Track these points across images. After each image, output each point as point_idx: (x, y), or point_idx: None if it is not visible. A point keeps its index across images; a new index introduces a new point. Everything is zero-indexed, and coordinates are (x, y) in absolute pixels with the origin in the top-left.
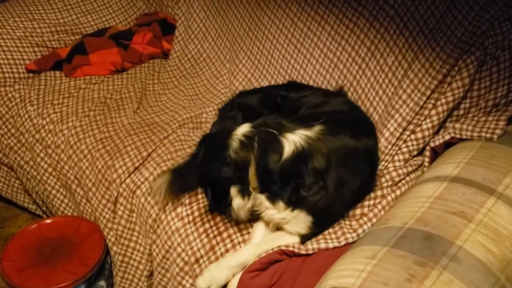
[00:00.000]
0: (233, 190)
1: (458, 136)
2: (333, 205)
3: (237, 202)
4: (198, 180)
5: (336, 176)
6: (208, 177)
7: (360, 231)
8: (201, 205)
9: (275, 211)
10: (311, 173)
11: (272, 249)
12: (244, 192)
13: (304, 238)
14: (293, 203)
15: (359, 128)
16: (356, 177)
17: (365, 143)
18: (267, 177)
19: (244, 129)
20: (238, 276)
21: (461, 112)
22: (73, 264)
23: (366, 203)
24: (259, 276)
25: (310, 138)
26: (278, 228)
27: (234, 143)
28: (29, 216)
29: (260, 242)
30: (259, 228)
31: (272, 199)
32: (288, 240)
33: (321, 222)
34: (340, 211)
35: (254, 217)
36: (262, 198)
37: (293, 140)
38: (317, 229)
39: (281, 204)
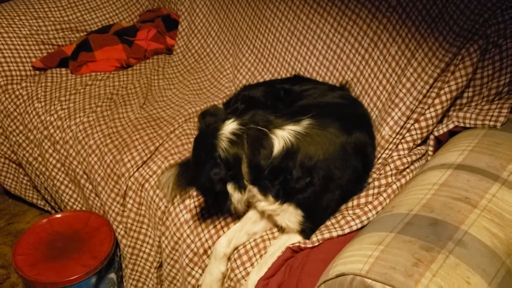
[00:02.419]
0: (230, 187)
1: (462, 124)
2: (321, 200)
3: (236, 197)
4: (195, 188)
5: (323, 171)
6: (201, 182)
7: (364, 218)
8: None
9: (267, 203)
10: (298, 169)
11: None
12: (241, 187)
13: (304, 235)
14: (282, 197)
15: (352, 122)
16: (345, 171)
17: (357, 137)
18: (259, 174)
19: (231, 127)
20: (254, 281)
21: (464, 101)
22: (84, 258)
23: (370, 191)
24: (273, 278)
25: (298, 133)
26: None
27: (223, 143)
28: (38, 212)
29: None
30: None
31: (263, 192)
32: (292, 240)
33: (312, 216)
34: (329, 205)
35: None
36: (254, 191)
37: (282, 137)
38: (310, 223)
39: (270, 198)
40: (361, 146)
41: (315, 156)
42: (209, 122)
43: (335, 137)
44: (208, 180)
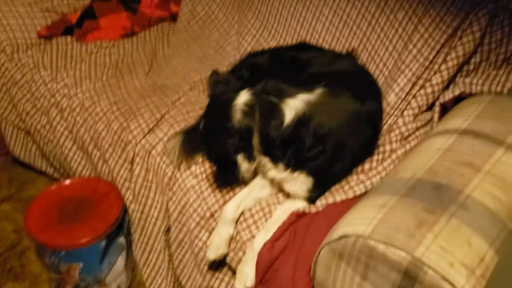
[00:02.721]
0: (240, 157)
1: (468, 90)
2: (333, 168)
3: (244, 167)
4: (206, 155)
5: (336, 139)
6: (215, 152)
7: (368, 183)
8: None
9: (277, 172)
10: (311, 137)
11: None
12: (250, 157)
13: (310, 201)
14: (293, 166)
15: (363, 91)
16: (357, 139)
17: (369, 106)
18: (270, 144)
19: (244, 97)
20: (260, 244)
21: (471, 66)
22: (93, 222)
23: (375, 157)
24: (278, 241)
25: (310, 102)
26: (283, 190)
27: (237, 114)
28: (47, 179)
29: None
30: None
31: (274, 161)
32: (297, 205)
33: (322, 184)
34: (340, 172)
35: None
36: (265, 160)
37: (294, 106)
38: (318, 190)
39: (281, 167)
40: (373, 114)
41: (328, 124)
42: (222, 90)
43: (348, 106)
44: (224, 150)
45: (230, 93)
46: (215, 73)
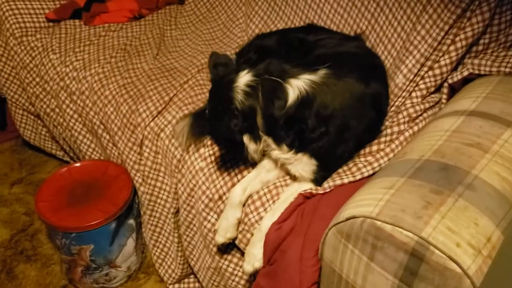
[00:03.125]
0: (246, 138)
1: (477, 71)
2: (336, 149)
3: (252, 147)
4: (212, 139)
5: (339, 120)
6: (221, 134)
7: (375, 165)
8: None
9: (280, 152)
10: (313, 118)
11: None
12: (256, 138)
13: (316, 183)
14: (296, 147)
15: (369, 73)
16: (360, 122)
17: (374, 88)
18: (273, 124)
19: (246, 78)
20: (267, 226)
21: (480, 47)
22: (103, 204)
23: (382, 139)
24: (286, 222)
25: (314, 83)
26: (289, 173)
27: (239, 95)
28: (57, 162)
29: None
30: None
31: (278, 142)
32: (304, 187)
33: (326, 165)
34: (343, 154)
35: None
36: (269, 141)
37: (297, 86)
38: (323, 171)
39: (285, 147)
40: (377, 97)
41: (331, 106)
42: (222, 73)
43: (353, 87)
44: (229, 131)
45: (231, 75)
46: (214, 55)
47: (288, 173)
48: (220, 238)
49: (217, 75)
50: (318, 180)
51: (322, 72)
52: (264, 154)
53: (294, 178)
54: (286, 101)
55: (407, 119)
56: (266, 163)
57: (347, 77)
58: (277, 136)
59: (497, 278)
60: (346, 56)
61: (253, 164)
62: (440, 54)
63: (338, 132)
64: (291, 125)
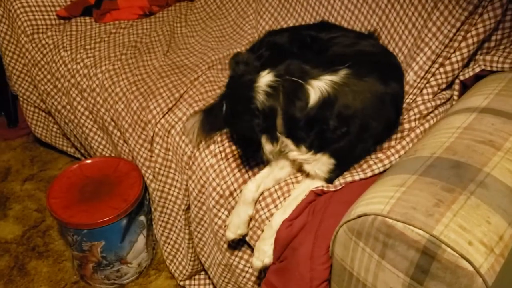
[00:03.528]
0: (264, 139)
1: (489, 68)
2: (355, 149)
3: (268, 148)
4: (230, 137)
5: (360, 121)
6: (240, 133)
7: (386, 162)
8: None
9: (299, 153)
10: (335, 119)
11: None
12: (273, 139)
13: (329, 181)
14: (316, 147)
15: (387, 72)
16: (381, 122)
17: (393, 88)
18: (293, 125)
19: (267, 79)
20: (278, 222)
21: (492, 44)
22: (114, 201)
23: (393, 136)
24: (297, 219)
25: (335, 83)
26: (302, 170)
27: (260, 96)
28: (68, 159)
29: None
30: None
31: (297, 143)
32: (316, 184)
33: (343, 165)
34: (362, 154)
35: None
36: (288, 142)
37: (318, 87)
38: (339, 171)
39: (303, 148)
40: (397, 96)
41: (353, 106)
42: (242, 71)
43: (374, 87)
44: (250, 130)
45: (251, 75)
46: (237, 53)
47: (300, 170)
48: (231, 234)
49: (237, 73)
50: (332, 178)
51: (343, 72)
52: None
53: (306, 175)
54: (307, 103)
55: (418, 116)
56: (279, 161)
57: (368, 77)
58: (297, 137)
59: (509, 276)
60: (363, 55)
61: (265, 161)
62: (452, 50)
63: (359, 132)
64: (312, 126)
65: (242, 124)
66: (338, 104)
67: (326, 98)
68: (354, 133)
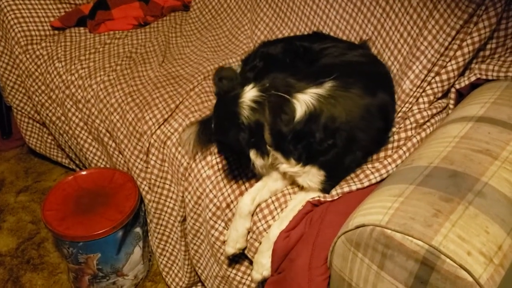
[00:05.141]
0: (252, 153)
1: (484, 77)
2: (344, 160)
3: (259, 162)
4: (218, 152)
5: (347, 133)
6: (228, 147)
7: (383, 171)
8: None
9: (288, 166)
10: (321, 131)
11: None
12: (263, 153)
13: (324, 191)
14: (304, 160)
15: (375, 82)
16: (368, 133)
17: (380, 98)
18: (281, 139)
19: (251, 94)
20: (275, 234)
21: (487, 52)
22: (110, 212)
23: (390, 145)
24: (294, 230)
25: (321, 96)
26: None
27: (245, 111)
28: (63, 170)
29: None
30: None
31: (286, 156)
32: (312, 195)
33: (334, 176)
34: (351, 165)
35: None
36: (278, 155)
37: (304, 101)
38: (331, 181)
39: (293, 161)
40: (384, 107)
41: (339, 118)
42: (227, 87)
43: (359, 99)
44: (237, 143)
45: (236, 90)
46: (220, 69)
47: (295, 182)
48: (230, 249)
49: (222, 89)
50: (326, 188)
51: (328, 84)
52: (271, 167)
53: (301, 188)
54: (293, 117)
55: (414, 125)
56: (273, 173)
57: (354, 88)
58: (285, 151)
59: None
60: (351, 65)
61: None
62: (447, 59)
63: (346, 144)
64: (299, 140)
65: (229, 139)
66: (324, 117)
67: (312, 112)
68: (341, 145)
